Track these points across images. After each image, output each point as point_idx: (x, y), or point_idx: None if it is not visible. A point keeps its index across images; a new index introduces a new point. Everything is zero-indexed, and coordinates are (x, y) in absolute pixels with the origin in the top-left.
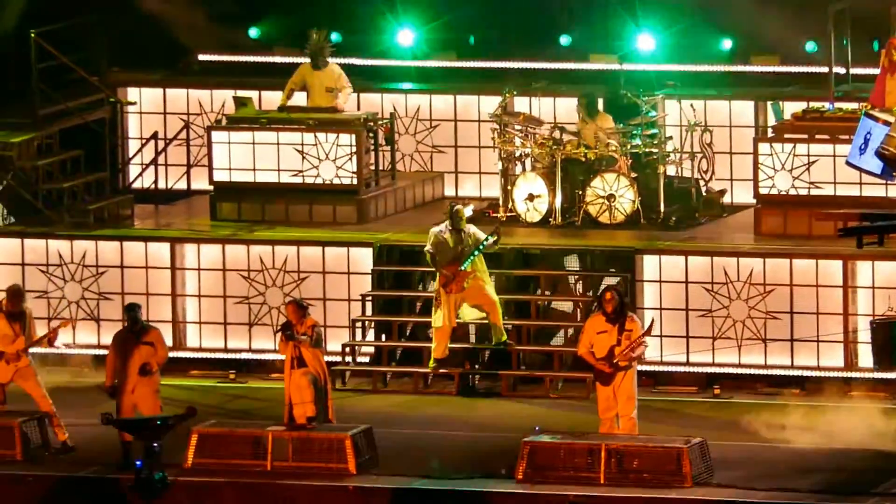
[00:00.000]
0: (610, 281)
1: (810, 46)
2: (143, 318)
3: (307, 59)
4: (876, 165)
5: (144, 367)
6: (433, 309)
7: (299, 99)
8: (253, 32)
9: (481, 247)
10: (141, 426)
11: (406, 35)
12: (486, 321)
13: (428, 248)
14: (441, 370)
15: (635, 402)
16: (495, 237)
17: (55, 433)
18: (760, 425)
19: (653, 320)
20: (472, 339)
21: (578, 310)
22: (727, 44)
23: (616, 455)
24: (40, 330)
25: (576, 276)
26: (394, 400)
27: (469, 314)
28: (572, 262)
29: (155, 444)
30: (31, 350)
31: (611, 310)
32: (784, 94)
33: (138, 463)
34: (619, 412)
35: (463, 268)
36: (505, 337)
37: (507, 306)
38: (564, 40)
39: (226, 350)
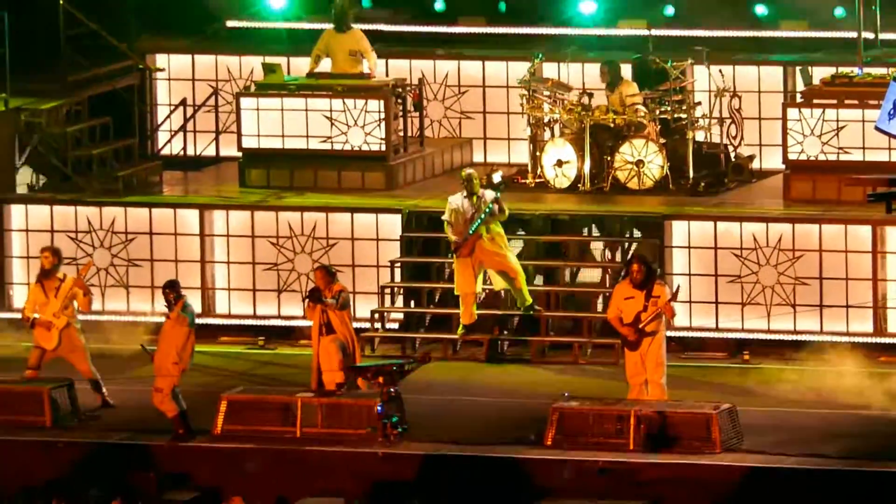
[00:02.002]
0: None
1: (839, 12)
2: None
3: (331, 25)
4: None
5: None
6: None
7: (327, 66)
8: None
9: (487, 210)
10: (378, 372)
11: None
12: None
13: (445, 216)
14: (470, 336)
15: (664, 369)
16: (496, 205)
17: (97, 398)
18: (789, 391)
19: (678, 286)
20: (501, 305)
21: (607, 276)
22: (760, 9)
23: (645, 421)
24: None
25: (604, 243)
26: (423, 366)
27: (499, 282)
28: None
29: (392, 389)
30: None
31: (639, 280)
32: (813, 58)
33: (379, 408)
34: (648, 378)
35: (471, 232)
36: (530, 301)
37: (535, 272)
38: (590, 7)
39: (255, 316)
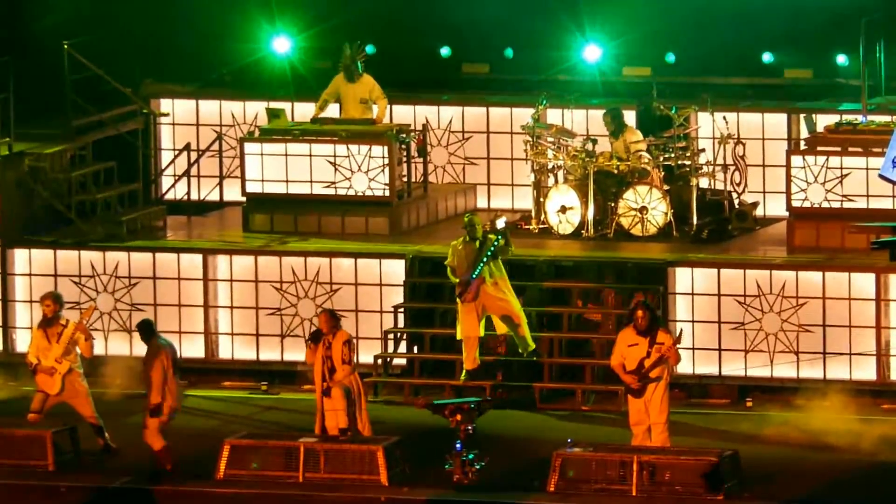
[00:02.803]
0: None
1: (842, 59)
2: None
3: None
4: None
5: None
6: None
7: (332, 111)
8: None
9: (489, 253)
10: (457, 409)
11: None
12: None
13: (448, 261)
14: (472, 382)
15: (668, 415)
16: (503, 239)
17: (98, 442)
18: (792, 437)
19: (681, 330)
20: (505, 350)
21: (610, 322)
22: (766, 56)
23: (648, 467)
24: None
25: (608, 289)
26: (426, 412)
27: (502, 326)
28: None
29: (470, 427)
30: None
31: (643, 326)
32: (817, 106)
33: (458, 445)
34: (652, 423)
35: (474, 276)
36: (533, 346)
37: (539, 318)
38: (595, 54)
39: (258, 361)
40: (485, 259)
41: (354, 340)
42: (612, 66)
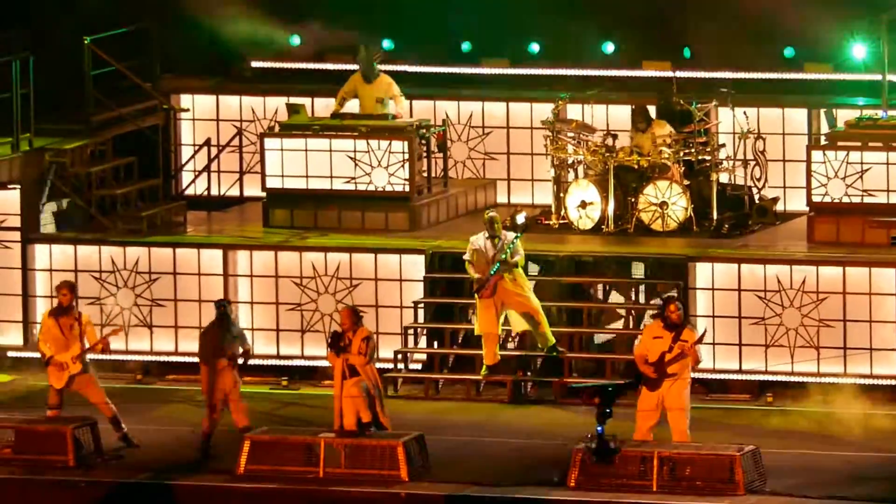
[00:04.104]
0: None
1: (861, 54)
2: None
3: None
4: None
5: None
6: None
7: (352, 107)
8: (296, 40)
9: (508, 250)
10: (596, 392)
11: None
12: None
13: (466, 256)
14: (493, 377)
15: (688, 413)
16: (518, 234)
17: (116, 434)
18: (813, 433)
19: (705, 329)
20: (525, 346)
21: (631, 317)
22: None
23: (668, 462)
24: (95, 336)
25: (628, 284)
26: (446, 407)
27: (520, 324)
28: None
29: (608, 409)
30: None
31: (674, 320)
32: (837, 101)
33: (599, 429)
34: (672, 423)
35: (491, 273)
36: (553, 341)
37: (558, 313)
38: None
39: (278, 357)
40: (503, 257)
41: (375, 337)
42: (632, 61)
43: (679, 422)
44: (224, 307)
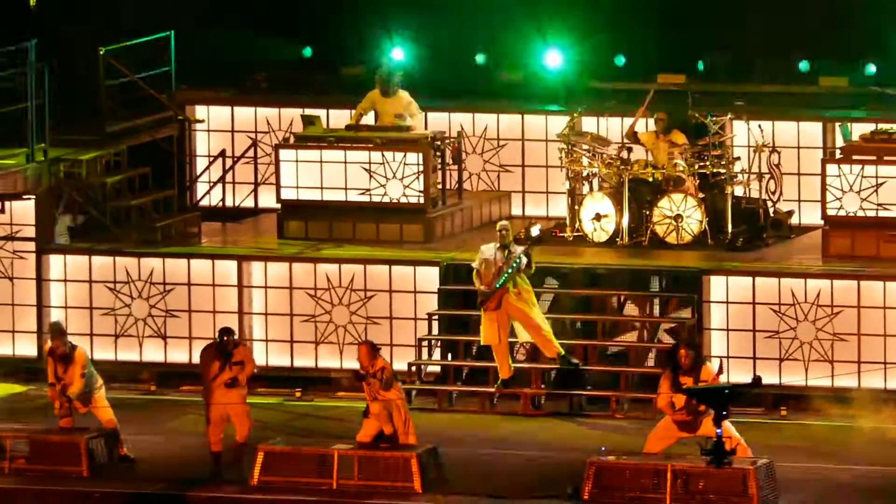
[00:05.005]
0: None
1: (871, 68)
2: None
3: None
4: None
5: (233, 380)
6: None
7: (367, 120)
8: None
9: (514, 265)
10: (710, 395)
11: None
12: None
13: (474, 265)
14: (507, 390)
15: (734, 430)
16: (525, 258)
17: (117, 449)
18: (827, 447)
19: (720, 363)
20: (539, 358)
21: (645, 330)
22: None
23: (682, 476)
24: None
25: (643, 297)
26: (460, 419)
27: (523, 335)
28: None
29: (725, 412)
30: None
31: (688, 365)
32: (852, 115)
33: (719, 431)
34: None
35: (497, 286)
36: (563, 352)
37: (573, 326)
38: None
39: (292, 368)
40: (509, 271)
41: (390, 368)
42: (647, 74)
43: (732, 441)
44: (226, 336)
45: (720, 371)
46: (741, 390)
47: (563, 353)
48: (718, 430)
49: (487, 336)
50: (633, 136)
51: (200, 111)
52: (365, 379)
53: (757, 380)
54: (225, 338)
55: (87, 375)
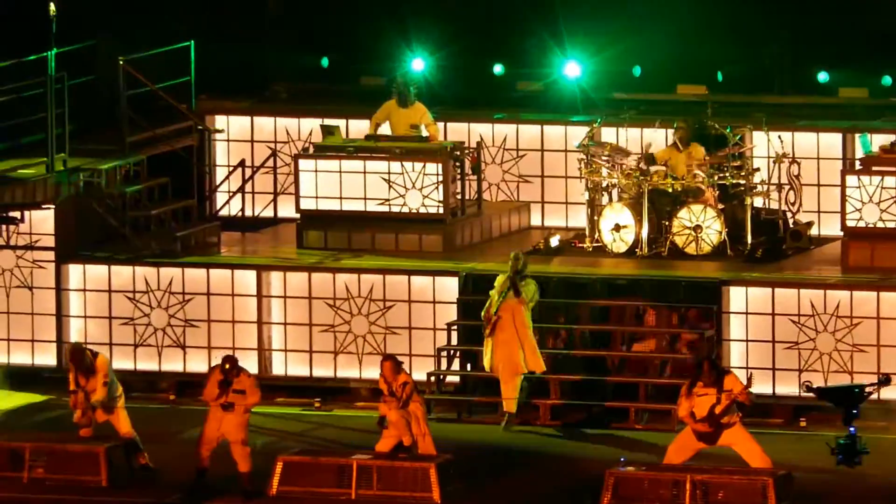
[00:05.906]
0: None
1: (887, 80)
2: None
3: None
4: None
5: (229, 404)
6: None
7: (386, 130)
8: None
9: (504, 294)
10: (839, 395)
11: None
12: (538, 375)
13: (492, 290)
14: (514, 425)
15: (754, 443)
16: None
17: (137, 458)
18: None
19: (751, 374)
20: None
21: (664, 341)
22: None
23: (701, 487)
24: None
25: (663, 307)
26: (479, 429)
27: (489, 361)
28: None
29: (855, 411)
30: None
31: (711, 379)
32: (872, 126)
33: (852, 429)
34: (748, 459)
35: (493, 312)
36: (514, 411)
37: (591, 336)
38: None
39: (311, 378)
40: (500, 299)
41: (412, 383)
42: (667, 85)
43: (753, 452)
44: (227, 365)
45: (749, 383)
46: (870, 390)
47: (513, 411)
48: (852, 429)
49: (486, 360)
50: (650, 158)
51: (220, 121)
52: (389, 396)
53: (886, 378)
54: (227, 366)
55: (110, 383)
